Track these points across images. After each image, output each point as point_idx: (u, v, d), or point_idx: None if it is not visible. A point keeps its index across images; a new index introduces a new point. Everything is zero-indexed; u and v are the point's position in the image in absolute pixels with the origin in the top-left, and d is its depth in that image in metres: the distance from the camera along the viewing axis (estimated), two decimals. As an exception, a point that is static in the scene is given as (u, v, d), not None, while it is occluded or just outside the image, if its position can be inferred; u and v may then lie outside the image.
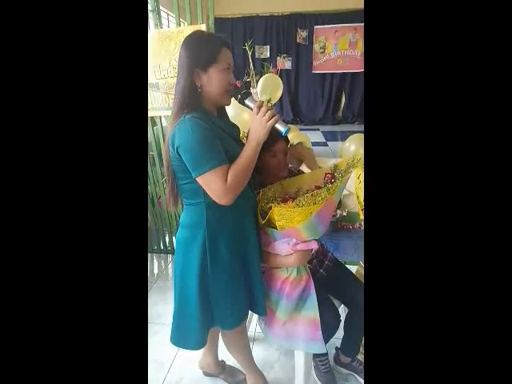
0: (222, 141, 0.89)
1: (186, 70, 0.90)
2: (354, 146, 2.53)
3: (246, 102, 0.94)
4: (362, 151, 2.48)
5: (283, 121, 0.94)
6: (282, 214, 0.98)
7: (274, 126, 0.89)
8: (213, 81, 0.91)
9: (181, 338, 1.10)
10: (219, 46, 0.91)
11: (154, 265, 2.42)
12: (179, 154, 0.88)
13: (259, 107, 0.90)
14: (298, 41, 6.75)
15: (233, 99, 0.98)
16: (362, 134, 2.65)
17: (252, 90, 2.57)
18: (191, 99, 0.90)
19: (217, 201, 0.90)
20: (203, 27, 1.78)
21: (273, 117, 0.88)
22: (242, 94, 0.95)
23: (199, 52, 0.90)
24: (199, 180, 0.89)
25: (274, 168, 1.11)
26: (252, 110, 0.92)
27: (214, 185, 0.87)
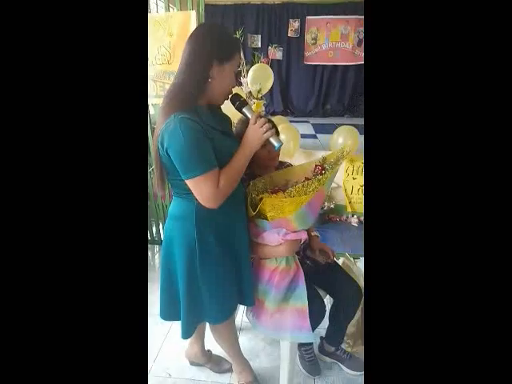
0: (213, 139, 0.88)
1: (205, 60, 0.87)
2: (341, 138, 2.57)
3: (244, 110, 0.97)
4: (349, 143, 2.50)
5: (277, 133, 0.98)
6: (273, 205, 0.99)
7: (268, 138, 0.92)
8: (225, 76, 0.91)
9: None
10: (238, 47, 0.92)
11: (141, 255, 2.40)
12: (168, 155, 0.87)
13: (257, 118, 0.92)
14: (289, 34, 6.68)
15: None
16: (350, 127, 2.67)
17: (242, 80, 2.53)
18: (195, 90, 0.88)
19: (205, 204, 0.90)
20: (193, 13, 1.74)
21: (269, 130, 0.91)
22: (241, 101, 0.97)
23: (221, 44, 0.88)
24: (189, 183, 0.88)
25: (265, 159, 1.12)
26: (249, 118, 0.94)
27: (205, 189, 0.87)
